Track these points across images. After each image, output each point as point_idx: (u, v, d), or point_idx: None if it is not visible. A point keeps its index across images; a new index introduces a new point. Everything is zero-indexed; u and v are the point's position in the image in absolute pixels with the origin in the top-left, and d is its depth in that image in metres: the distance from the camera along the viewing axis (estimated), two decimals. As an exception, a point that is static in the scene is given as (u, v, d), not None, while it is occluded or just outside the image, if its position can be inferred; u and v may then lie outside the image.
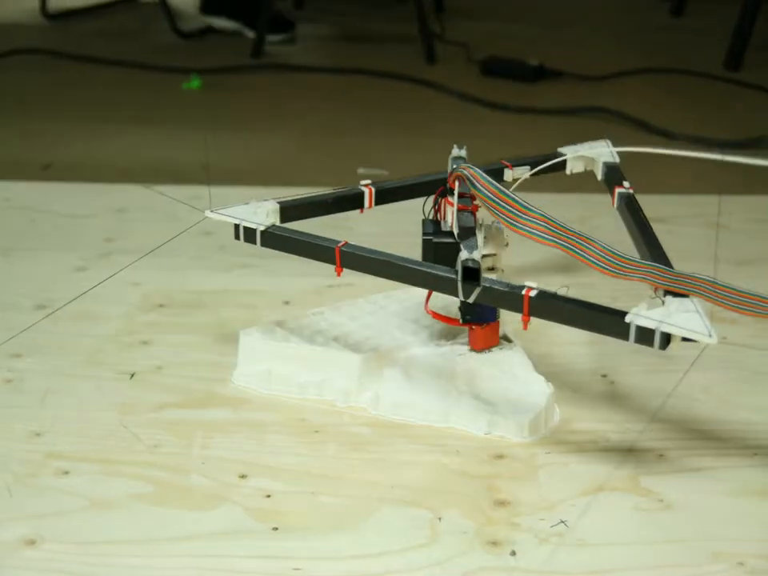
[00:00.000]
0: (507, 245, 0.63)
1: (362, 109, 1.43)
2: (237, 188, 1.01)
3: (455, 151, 0.67)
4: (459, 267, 0.56)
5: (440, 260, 0.60)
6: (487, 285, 0.55)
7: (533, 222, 0.56)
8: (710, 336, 0.49)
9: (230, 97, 1.50)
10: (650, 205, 0.98)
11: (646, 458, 0.58)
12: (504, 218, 0.57)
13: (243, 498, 0.54)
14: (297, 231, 0.63)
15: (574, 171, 0.73)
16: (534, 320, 0.74)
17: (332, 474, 0.57)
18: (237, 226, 0.64)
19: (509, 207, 0.57)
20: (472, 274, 0.55)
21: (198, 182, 1.05)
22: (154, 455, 0.58)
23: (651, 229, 0.62)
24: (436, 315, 0.63)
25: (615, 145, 0.74)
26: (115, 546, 0.51)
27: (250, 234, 0.63)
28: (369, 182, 0.67)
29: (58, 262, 0.85)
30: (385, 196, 0.68)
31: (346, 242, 0.60)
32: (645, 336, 0.51)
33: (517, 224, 0.57)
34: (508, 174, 0.70)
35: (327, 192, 0.66)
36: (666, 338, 0.50)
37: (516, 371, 0.64)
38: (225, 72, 1.61)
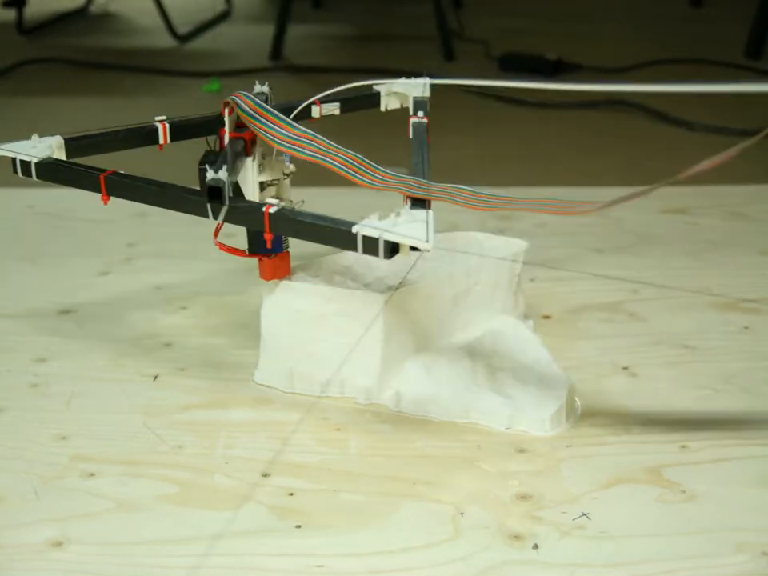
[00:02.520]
0: (290, 173, 0.63)
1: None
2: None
3: (257, 87, 0.66)
4: (204, 187, 0.56)
5: None
6: (232, 204, 0.56)
7: (298, 139, 0.58)
8: (427, 242, 0.50)
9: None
10: (671, 196, 0.99)
11: (668, 449, 0.58)
12: (269, 137, 0.58)
13: (266, 496, 0.55)
14: (72, 162, 0.63)
15: (389, 108, 0.73)
16: (555, 314, 0.74)
17: (354, 472, 0.57)
18: (13, 160, 0.63)
19: (274, 127, 0.58)
20: (215, 194, 0.55)
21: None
22: (178, 456, 0.59)
23: (427, 153, 0.62)
24: (223, 247, 0.63)
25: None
26: (141, 546, 0.51)
27: (25, 167, 0.63)
28: (164, 117, 0.67)
29: (82, 267, 0.86)
30: (181, 132, 0.67)
31: (114, 170, 0.61)
32: (370, 245, 0.51)
33: (281, 142, 0.58)
34: (316, 111, 0.69)
35: (119, 127, 0.66)
36: (391, 248, 0.51)
37: (536, 366, 0.64)
38: (243, 74, 1.62)
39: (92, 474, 0.57)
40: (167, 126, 0.67)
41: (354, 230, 0.52)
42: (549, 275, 0.81)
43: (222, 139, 0.61)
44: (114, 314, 0.76)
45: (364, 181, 0.57)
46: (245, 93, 0.60)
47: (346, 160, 0.58)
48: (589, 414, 0.62)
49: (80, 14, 2.16)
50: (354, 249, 0.52)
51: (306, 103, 0.68)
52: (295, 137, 0.58)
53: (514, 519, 0.52)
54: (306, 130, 0.58)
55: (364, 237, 0.52)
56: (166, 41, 1.89)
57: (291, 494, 0.55)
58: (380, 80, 0.73)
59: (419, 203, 0.55)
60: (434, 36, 1.73)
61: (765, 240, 0.88)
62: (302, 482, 0.56)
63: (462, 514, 0.53)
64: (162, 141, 0.67)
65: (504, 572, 0.49)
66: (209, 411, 0.63)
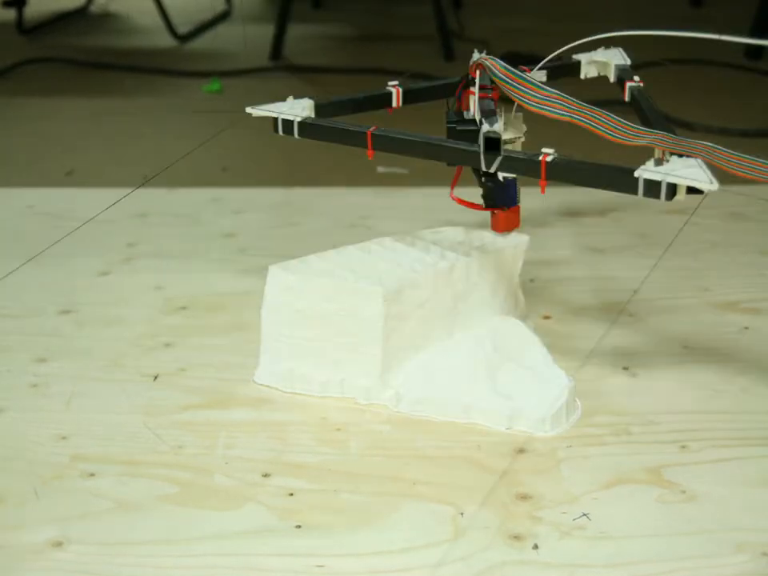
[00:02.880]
0: (526, 131, 0.67)
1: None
2: (257, 189, 1.02)
3: (476, 55, 0.69)
4: (481, 139, 0.60)
5: None
6: (507, 154, 0.60)
7: (548, 100, 0.60)
8: (711, 183, 0.52)
9: (248, 99, 1.51)
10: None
11: (668, 449, 0.58)
12: (521, 99, 0.61)
13: (267, 496, 0.55)
14: (331, 120, 0.69)
15: (589, 76, 0.76)
16: (555, 314, 0.74)
17: (354, 472, 0.57)
18: (275, 120, 0.69)
19: (526, 89, 0.61)
20: (493, 144, 0.60)
21: (218, 184, 1.06)
22: (178, 456, 0.59)
23: (659, 112, 0.67)
24: (460, 201, 0.67)
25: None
26: (141, 546, 0.51)
27: (288, 126, 0.69)
28: (396, 82, 0.73)
29: (82, 266, 0.86)
30: (412, 96, 0.73)
31: (377, 127, 0.65)
32: (652, 188, 0.54)
33: (533, 103, 0.60)
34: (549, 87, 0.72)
35: (358, 93, 0.72)
36: (672, 190, 0.54)
37: (537, 366, 0.64)
38: (243, 74, 1.62)
39: (92, 474, 0.57)
40: (400, 90, 0.72)
41: (637, 173, 0.54)
42: (549, 275, 0.81)
43: (460, 99, 0.67)
44: (113, 314, 0.76)
45: (616, 137, 0.58)
46: (492, 57, 0.64)
47: (596, 117, 0.59)
48: (589, 415, 0.62)
49: (80, 13, 2.16)
50: (635, 192, 0.54)
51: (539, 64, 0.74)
52: (545, 97, 0.60)
53: (514, 519, 0.52)
54: (554, 90, 0.61)
55: (646, 180, 0.54)
56: (166, 41, 1.89)
57: (291, 494, 0.55)
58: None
59: (678, 156, 0.56)
60: (434, 36, 1.73)
61: (764, 240, 0.88)
62: (302, 482, 0.56)
63: (462, 514, 0.53)
64: (394, 104, 0.72)
65: (504, 572, 0.49)
66: (209, 411, 0.63)
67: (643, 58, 1.67)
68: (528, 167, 0.59)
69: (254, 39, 1.89)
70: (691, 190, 0.53)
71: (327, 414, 0.63)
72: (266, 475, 0.57)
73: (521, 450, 0.58)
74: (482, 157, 0.61)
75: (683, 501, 0.54)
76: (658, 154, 0.57)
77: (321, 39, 1.91)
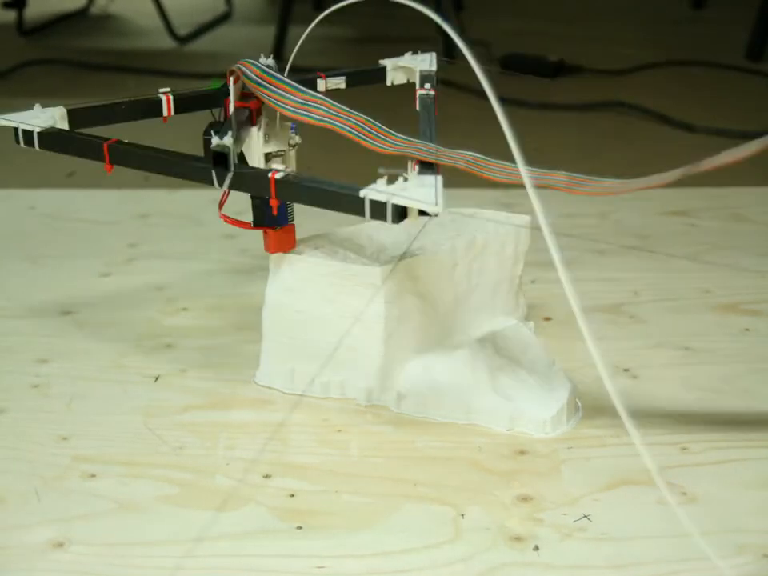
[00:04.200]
0: (296, 145, 0.63)
1: (381, 109, 1.43)
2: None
3: (262, 60, 0.65)
4: (210, 153, 0.56)
5: None
6: (237, 170, 0.56)
7: (308, 105, 0.57)
8: (436, 205, 0.49)
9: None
10: (671, 198, 0.99)
11: (668, 451, 0.58)
12: (278, 104, 0.57)
13: (267, 497, 0.55)
14: (76, 132, 0.63)
15: (396, 82, 0.72)
16: (556, 316, 0.75)
17: (355, 473, 0.57)
18: (15, 130, 0.63)
19: (285, 94, 0.57)
20: (221, 159, 0.55)
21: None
22: (180, 457, 0.59)
23: (434, 124, 0.62)
24: (227, 219, 0.62)
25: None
26: (143, 547, 0.51)
27: (28, 137, 0.63)
28: (168, 90, 0.67)
29: (83, 267, 0.86)
30: (185, 104, 0.67)
31: (117, 139, 0.61)
32: (378, 210, 0.51)
33: (291, 108, 0.57)
34: (321, 84, 0.69)
35: (123, 99, 0.66)
36: (399, 212, 0.51)
37: (537, 367, 0.64)
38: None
39: (93, 475, 0.57)
40: (171, 98, 0.66)
41: (362, 194, 0.51)
42: (550, 277, 0.81)
43: (226, 109, 0.61)
44: (115, 315, 0.77)
45: (375, 145, 0.56)
46: (250, 60, 0.60)
47: (356, 123, 0.57)
48: (590, 416, 0.62)
49: (80, 15, 2.16)
50: (362, 214, 0.52)
51: (311, 76, 0.69)
52: (304, 101, 0.57)
53: (515, 521, 0.53)
54: (315, 93, 0.57)
55: (372, 201, 0.51)
56: (166, 42, 1.89)
57: (292, 495, 0.55)
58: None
59: (428, 168, 0.54)
60: (435, 37, 1.74)
61: (765, 241, 0.88)
62: (303, 483, 0.56)
63: (462, 515, 0.53)
64: (165, 113, 0.67)
65: (504, 574, 0.49)
66: (210, 412, 0.63)
67: (643, 60, 1.68)
68: (258, 185, 0.56)
69: (256, 41, 1.89)
70: (423, 212, 0.50)
71: (328, 415, 0.63)
72: (266, 476, 0.57)
73: (522, 452, 0.59)
74: (213, 173, 0.56)
75: (684, 502, 0.54)
76: (410, 165, 0.54)
77: (321, 40, 1.91)
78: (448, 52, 1.71)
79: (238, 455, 0.59)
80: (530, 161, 0.69)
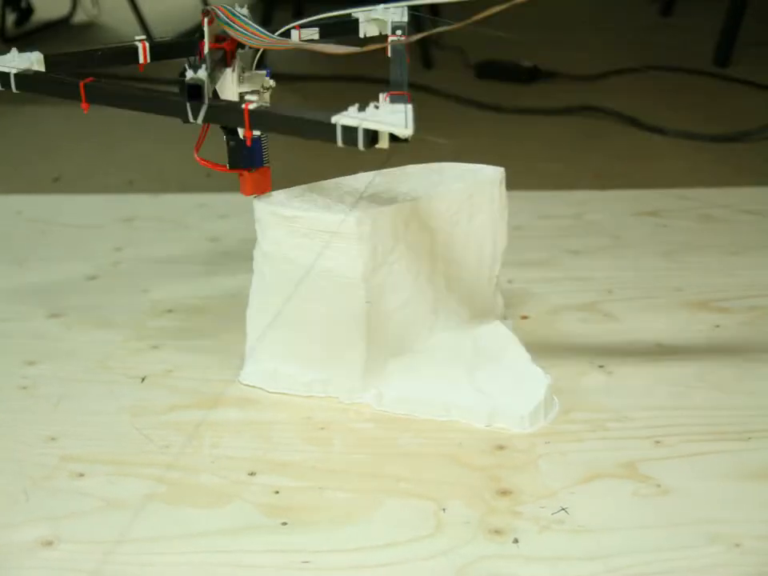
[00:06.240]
0: (270, 88, 0.64)
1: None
2: (241, 195, 1.02)
3: (236, 9, 0.65)
4: (185, 87, 0.56)
5: None
6: (212, 103, 0.57)
7: (273, 42, 0.62)
8: (406, 127, 0.50)
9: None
10: (643, 199, 1.01)
11: (643, 445, 0.59)
12: (243, 40, 0.61)
13: (253, 494, 0.56)
14: (49, 74, 0.64)
15: (368, 34, 0.73)
16: (533, 314, 0.76)
17: (338, 469, 0.58)
18: None
19: (252, 34, 0.62)
20: (195, 92, 0.56)
21: (204, 189, 1.07)
22: (166, 456, 0.59)
23: (405, 67, 0.64)
24: (203, 162, 0.63)
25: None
26: (130, 544, 0.52)
27: (4, 79, 0.63)
28: (144, 37, 0.67)
29: (70, 271, 0.86)
30: (161, 52, 0.68)
31: (92, 78, 0.61)
32: (350, 135, 0.51)
33: (256, 41, 0.62)
34: (295, 35, 0.70)
35: (100, 46, 0.67)
36: (370, 137, 0.51)
37: (515, 364, 0.65)
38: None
39: (81, 474, 0.58)
40: (147, 45, 0.67)
41: (333, 120, 0.52)
42: (526, 277, 0.82)
43: (201, 51, 0.62)
44: (101, 318, 0.77)
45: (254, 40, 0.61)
46: (225, 5, 0.62)
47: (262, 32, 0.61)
48: (566, 412, 0.63)
49: (64, 23, 2.16)
50: (334, 140, 0.52)
51: (285, 28, 0.68)
52: (268, 40, 0.61)
53: (495, 514, 0.54)
54: (272, 35, 0.62)
55: (343, 126, 0.51)
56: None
57: (277, 492, 0.56)
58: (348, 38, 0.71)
59: (398, 98, 0.54)
60: (413, 44, 1.74)
61: (734, 241, 0.89)
62: (288, 480, 0.57)
63: (443, 509, 0.54)
64: (141, 60, 0.67)
65: (485, 566, 0.50)
66: (195, 411, 0.64)
67: (612, 66, 1.69)
68: (232, 116, 0.57)
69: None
70: (393, 138, 0.51)
71: (311, 413, 0.64)
72: (251, 473, 0.58)
73: (500, 447, 0.60)
74: (187, 106, 0.57)
75: (658, 494, 0.55)
76: (381, 96, 0.55)
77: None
78: (425, 59, 1.73)
79: (223, 453, 0.60)
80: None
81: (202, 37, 0.62)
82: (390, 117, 0.51)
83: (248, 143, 0.60)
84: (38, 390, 0.67)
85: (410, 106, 0.52)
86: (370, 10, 0.72)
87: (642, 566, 0.50)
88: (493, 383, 0.63)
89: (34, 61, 0.64)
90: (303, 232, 0.62)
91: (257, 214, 0.64)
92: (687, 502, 0.54)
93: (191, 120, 0.58)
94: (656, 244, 0.89)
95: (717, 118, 1.33)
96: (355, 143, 0.51)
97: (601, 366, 0.69)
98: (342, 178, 0.68)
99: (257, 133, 0.61)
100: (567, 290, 0.80)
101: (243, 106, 0.56)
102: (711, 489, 0.55)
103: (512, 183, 0.70)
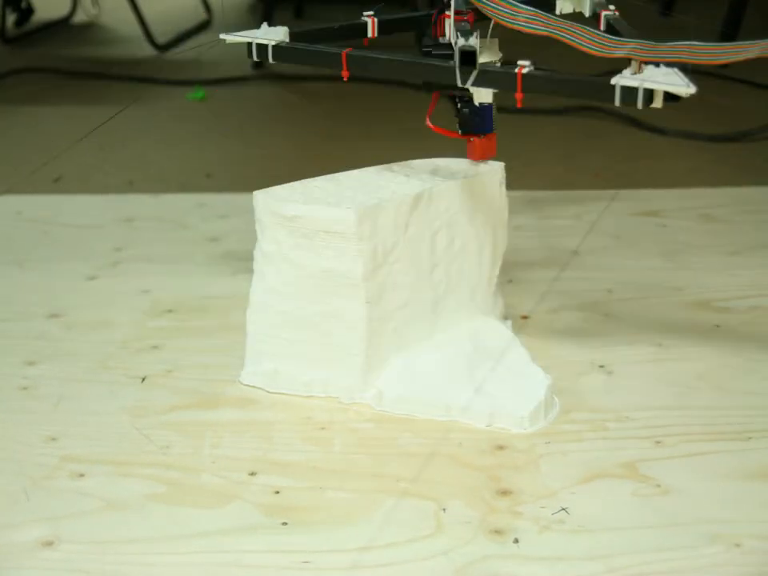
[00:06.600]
0: (501, 57, 0.65)
1: (362, 116, 1.44)
2: (241, 194, 1.02)
3: None
4: (456, 53, 0.59)
5: None
6: (483, 68, 0.59)
7: (524, 16, 0.60)
8: (688, 86, 0.52)
9: (232, 106, 1.52)
10: (643, 199, 1.01)
11: (643, 444, 0.59)
12: (497, 16, 0.60)
13: (253, 494, 0.56)
14: (305, 44, 0.67)
15: (564, 11, 0.75)
16: (533, 314, 0.76)
17: (339, 469, 0.58)
18: (249, 45, 0.67)
19: (501, 7, 0.60)
20: (468, 58, 0.58)
21: (204, 189, 1.07)
22: (166, 456, 0.59)
23: (636, 32, 0.65)
24: (436, 129, 0.66)
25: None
26: (131, 544, 0.52)
27: (262, 51, 0.67)
28: (372, 12, 0.71)
29: (70, 271, 0.87)
30: (388, 26, 0.71)
31: (352, 48, 0.64)
32: (629, 95, 0.54)
33: (509, 19, 0.60)
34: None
35: (333, 24, 0.71)
36: (649, 96, 0.54)
37: (515, 365, 0.65)
38: (227, 83, 1.62)
39: (81, 475, 0.58)
40: (375, 21, 0.70)
41: (613, 81, 0.54)
42: (527, 276, 0.83)
43: (439, 23, 0.65)
44: (101, 318, 0.77)
45: (594, 49, 0.58)
46: None
47: (573, 31, 0.59)
48: (566, 412, 0.63)
49: (63, 23, 2.16)
50: (612, 101, 0.54)
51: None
52: (520, 14, 0.60)
53: (495, 514, 0.54)
54: (529, 7, 0.60)
55: (623, 87, 0.54)
56: (148, 50, 1.89)
57: (277, 492, 0.56)
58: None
59: (653, 64, 0.55)
60: (412, 45, 1.74)
61: (734, 241, 0.90)
62: (288, 480, 0.57)
63: (444, 509, 0.54)
64: (369, 34, 0.71)
65: (485, 566, 0.50)
66: (196, 412, 0.64)
67: (614, 65, 1.68)
68: (504, 80, 0.59)
69: (237, 48, 1.89)
70: (668, 97, 0.53)
71: (311, 414, 0.64)
72: (252, 474, 0.58)
73: (501, 447, 0.60)
74: (457, 71, 0.59)
75: (658, 494, 0.55)
76: (634, 65, 0.56)
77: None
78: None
79: (223, 453, 0.60)
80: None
81: (441, 11, 0.65)
82: (666, 77, 0.53)
83: (518, 104, 0.61)
84: (38, 390, 0.67)
85: (677, 69, 0.54)
86: None
87: (641, 565, 0.50)
88: (493, 383, 0.63)
89: (281, 33, 0.67)
90: (303, 232, 0.63)
91: (257, 214, 0.64)
92: (687, 501, 0.54)
93: (460, 84, 0.59)
94: (656, 244, 0.89)
95: (717, 117, 1.33)
96: (634, 102, 0.54)
97: (601, 366, 0.69)
98: (344, 173, 0.68)
99: (488, 100, 0.63)
100: (567, 291, 0.80)
101: (517, 70, 0.58)
102: (711, 489, 0.55)
103: (512, 183, 0.70)
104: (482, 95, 0.62)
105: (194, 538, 0.52)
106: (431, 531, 0.53)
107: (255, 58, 0.67)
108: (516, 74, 0.58)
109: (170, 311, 0.79)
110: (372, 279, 0.62)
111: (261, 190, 0.65)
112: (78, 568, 0.50)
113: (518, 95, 0.59)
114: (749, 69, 1.59)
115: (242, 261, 0.86)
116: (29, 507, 0.55)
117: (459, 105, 0.66)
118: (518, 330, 0.73)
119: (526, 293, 0.80)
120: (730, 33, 1.63)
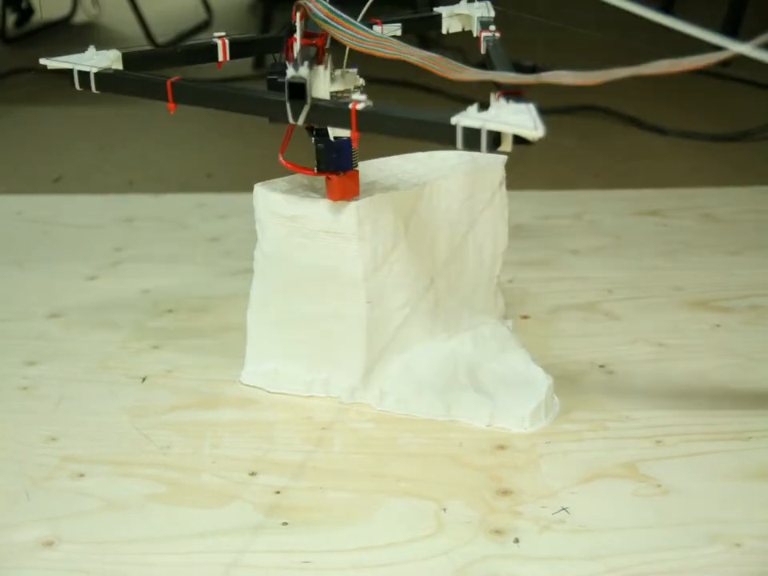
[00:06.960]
0: (361, 87, 0.60)
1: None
2: (241, 194, 1.02)
3: None
4: (286, 85, 0.53)
5: None
6: (315, 103, 0.53)
7: (375, 42, 0.56)
8: (536, 129, 0.47)
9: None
10: (643, 199, 1.01)
11: (643, 444, 0.59)
12: (343, 39, 0.56)
13: (253, 494, 0.56)
14: (132, 73, 0.61)
15: (451, 30, 0.71)
16: (533, 314, 0.76)
17: (339, 469, 0.58)
18: (71, 72, 0.61)
19: (350, 32, 0.57)
20: (298, 91, 0.52)
21: (204, 189, 1.07)
22: (166, 456, 0.59)
23: (507, 59, 0.62)
24: (289, 165, 0.60)
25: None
26: (131, 544, 0.52)
27: (84, 79, 0.60)
28: (223, 33, 0.65)
29: (70, 271, 0.87)
30: (241, 49, 0.65)
31: (180, 78, 0.59)
32: (472, 138, 0.48)
33: (357, 43, 0.56)
34: (377, 31, 0.67)
35: (177, 45, 0.65)
36: (494, 139, 0.47)
37: (516, 364, 0.65)
38: (227, 82, 1.62)
39: (81, 475, 0.58)
40: (227, 42, 0.65)
41: (453, 121, 0.48)
42: (527, 276, 0.83)
43: (289, 47, 0.58)
44: (101, 318, 0.77)
45: (447, 73, 0.54)
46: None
47: (427, 56, 0.55)
48: (567, 411, 0.63)
49: (64, 23, 2.16)
50: (453, 143, 0.48)
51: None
52: (371, 40, 0.56)
53: (495, 514, 0.54)
54: (380, 34, 0.57)
55: (464, 128, 0.48)
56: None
57: (278, 492, 0.56)
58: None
59: (514, 97, 0.50)
60: (413, 44, 1.74)
61: (734, 240, 0.90)
62: (288, 480, 0.57)
63: (444, 509, 0.54)
64: (221, 58, 0.65)
65: (486, 566, 0.50)
66: (196, 412, 0.64)
67: (615, 64, 1.69)
68: (337, 117, 0.52)
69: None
70: (517, 140, 0.47)
71: (312, 413, 0.64)
72: (252, 474, 0.58)
73: (501, 447, 0.60)
74: (288, 106, 0.53)
75: (658, 494, 0.55)
76: (494, 97, 0.51)
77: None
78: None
79: (223, 453, 0.60)
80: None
81: (291, 33, 0.58)
82: (515, 117, 0.48)
83: (354, 144, 0.57)
84: (38, 390, 0.67)
85: (532, 105, 0.49)
86: (454, 6, 0.69)
87: (641, 565, 0.50)
88: (493, 383, 0.63)
89: (112, 59, 0.62)
90: (303, 232, 0.63)
91: (257, 213, 0.65)
92: (687, 501, 0.54)
93: (291, 121, 0.54)
94: (656, 244, 0.89)
95: (717, 117, 1.33)
96: (477, 146, 0.48)
97: (601, 366, 0.69)
98: None
99: (346, 134, 0.57)
100: (567, 290, 0.80)
101: (350, 105, 0.52)
102: (711, 489, 0.55)
103: (512, 183, 0.70)
104: (338, 129, 0.56)
105: (194, 537, 0.52)
106: (431, 531, 0.53)
107: (78, 86, 0.60)
108: (350, 110, 0.51)
109: (170, 311, 0.79)
110: (372, 279, 0.63)
111: (261, 183, 0.64)
112: (78, 568, 0.50)
113: (354, 135, 0.53)
114: (749, 68, 1.59)
115: (242, 261, 0.86)
116: (29, 507, 0.55)
117: (314, 139, 0.60)
118: (517, 329, 0.73)
119: (526, 293, 0.80)
120: (730, 32, 1.63)
